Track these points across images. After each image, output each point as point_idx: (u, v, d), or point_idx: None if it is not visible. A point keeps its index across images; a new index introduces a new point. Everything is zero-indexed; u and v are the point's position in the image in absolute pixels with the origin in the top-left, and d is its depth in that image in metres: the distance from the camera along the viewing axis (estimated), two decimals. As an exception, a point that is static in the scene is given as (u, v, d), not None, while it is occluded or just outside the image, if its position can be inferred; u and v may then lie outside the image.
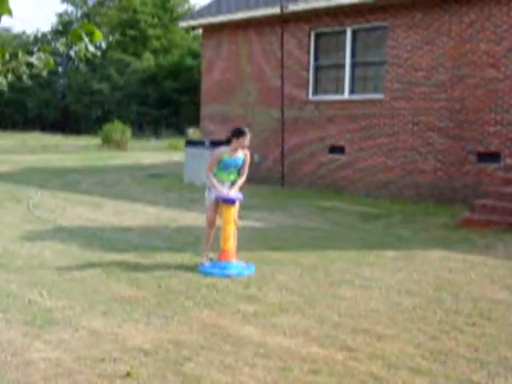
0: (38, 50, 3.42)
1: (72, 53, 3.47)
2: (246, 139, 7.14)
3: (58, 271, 6.81)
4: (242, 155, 7.21)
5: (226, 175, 7.17)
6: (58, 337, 4.82)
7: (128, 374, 4.13)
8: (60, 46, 3.53)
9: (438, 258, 7.76)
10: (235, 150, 7.15)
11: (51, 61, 3.37)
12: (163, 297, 5.91)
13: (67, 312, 5.42)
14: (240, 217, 7.24)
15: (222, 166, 7.13)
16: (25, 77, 3.54)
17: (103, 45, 59.51)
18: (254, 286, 6.35)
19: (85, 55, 3.15)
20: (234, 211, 7.10)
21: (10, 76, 3.40)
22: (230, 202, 7.07)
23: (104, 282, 6.40)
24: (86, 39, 3.08)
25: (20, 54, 3.42)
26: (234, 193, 7.12)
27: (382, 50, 13.87)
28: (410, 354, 4.57)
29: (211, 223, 7.23)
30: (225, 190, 7.06)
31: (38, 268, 6.95)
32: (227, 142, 7.22)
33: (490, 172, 11.95)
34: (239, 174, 7.27)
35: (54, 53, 58.17)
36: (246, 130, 7.25)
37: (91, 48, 3.15)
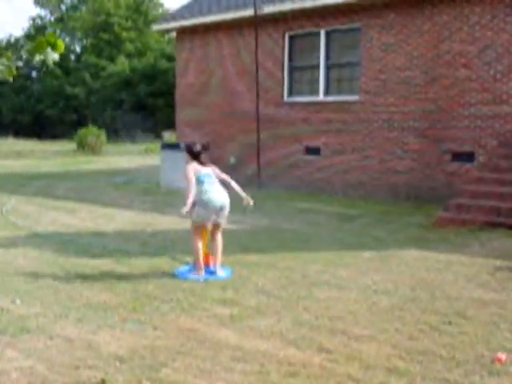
0: (0, 55, 3.37)
1: (36, 61, 3.42)
2: None
3: (31, 278, 6.72)
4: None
5: None
6: (31, 345, 4.74)
7: (103, 382, 4.07)
8: (25, 52, 3.50)
9: (414, 258, 7.79)
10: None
11: (13, 69, 3.32)
12: (139, 302, 5.85)
13: (41, 319, 5.34)
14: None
15: None
16: None
17: (77, 49, 59.13)
18: (230, 290, 6.32)
19: (47, 64, 3.13)
20: None
21: None
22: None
23: (78, 289, 6.32)
24: (49, 50, 3.06)
25: None
26: None
27: (356, 51, 13.93)
28: (387, 354, 4.57)
29: None
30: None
31: (11, 275, 6.85)
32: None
33: (465, 171, 12.04)
34: None
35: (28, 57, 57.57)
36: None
37: (55, 56, 3.13)
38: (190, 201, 6.68)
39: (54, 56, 3.17)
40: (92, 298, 6.00)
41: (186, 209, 6.62)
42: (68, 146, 34.46)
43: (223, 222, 7.11)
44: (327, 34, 14.38)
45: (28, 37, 59.57)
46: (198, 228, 6.99)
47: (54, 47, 3.12)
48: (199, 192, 6.87)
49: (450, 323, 5.26)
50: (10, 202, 12.80)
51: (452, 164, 12.40)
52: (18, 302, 5.85)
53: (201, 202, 6.86)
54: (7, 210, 11.61)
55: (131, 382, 4.09)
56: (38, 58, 3.15)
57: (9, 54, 3.40)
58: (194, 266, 6.97)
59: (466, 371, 4.26)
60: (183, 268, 7.09)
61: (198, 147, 7.13)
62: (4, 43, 60.63)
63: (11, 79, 3.40)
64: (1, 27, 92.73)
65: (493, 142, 11.82)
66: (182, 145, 15.42)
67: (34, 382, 4.10)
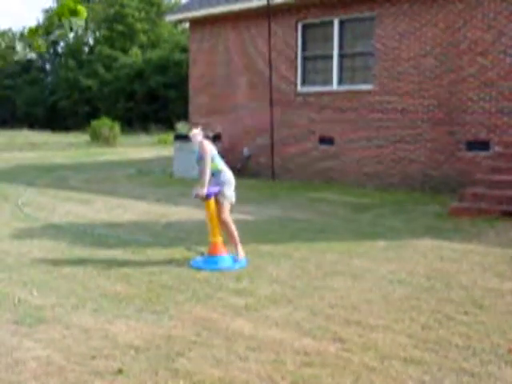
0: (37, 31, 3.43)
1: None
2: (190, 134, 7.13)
3: (47, 269, 6.76)
4: (197, 146, 7.14)
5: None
6: (48, 335, 4.78)
7: (119, 371, 4.10)
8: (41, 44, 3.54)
9: (429, 247, 7.76)
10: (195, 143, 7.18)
11: (43, 44, 3.37)
12: (154, 292, 5.87)
13: (57, 310, 5.38)
14: (231, 210, 7.19)
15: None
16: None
17: (90, 40, 59.24)
18: (245, 280, 6.33)
19: (71, 29, 3.18)
20: (210, 205, 7.01)
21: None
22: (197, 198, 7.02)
23: (94, 279, 6.36)
24: (72, 18, 3.09)
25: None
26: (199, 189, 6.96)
27: (370, 41, 13.84)
28: (403, 343, 4.56)
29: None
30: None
31: (27, 266, 6.90)
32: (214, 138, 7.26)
33: (480, 160, 11.96)
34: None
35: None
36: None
37: (79, 22, 3.15)
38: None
39: (78, 22, 3.19)
40: (108, 288, 6.03)
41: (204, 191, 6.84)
42: (81, 137, 34.59)
43: None
44: (341, 22, 14.29)
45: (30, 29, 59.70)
46: (228, 210, 7.13)
47: (75, 13, 3.14)
48: (221, 171, 7.03)
49: (465, 313, 5.24)
50: (25, 193, 12.87)
51: (467, 153, 12.32)
52: (34, 292, 5.89)
53: (228, 182, 7.05)
54: (22, 202, 11.68)
55: (147, 371, 4.11)
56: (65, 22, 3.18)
57: (35, 30, 3.45)
58: (237, 252, 7.06)
59: (482, 361, 4.25)
60: (199, 258, 7.10)
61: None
62: (18, 35, 60.89)
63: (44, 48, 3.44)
64: (15, 19, 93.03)
65: (508, 130, 11.72)
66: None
67: (50, 371, 4.13)
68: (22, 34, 60.82)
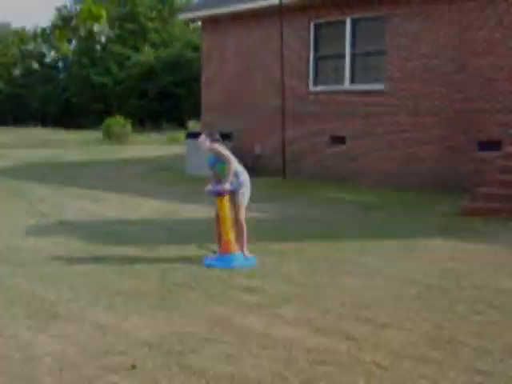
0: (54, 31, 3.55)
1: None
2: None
3: (61, 265, 6.83)
4: (212, 152, 7.09)
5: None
6: (62, 331, 4.83)
7: (133, 367, 4.14)
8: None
9: (440, 247, 7.75)
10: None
11: (66, 47, 3.44)
12: (167, 289, 5.91)
13: (72, 306, 5.43)
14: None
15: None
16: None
17: (103, 39, 59.43)
18: (257, 277, 6.35)
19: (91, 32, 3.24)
20: (224, 203, 7.03)
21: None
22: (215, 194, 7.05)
23: (108, 276, 6.41)
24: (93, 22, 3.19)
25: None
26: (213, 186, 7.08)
27: (382, 40, 13.81)
28: (415, 342, 4.57)
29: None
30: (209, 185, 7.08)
31: (41, 262, 6.96)
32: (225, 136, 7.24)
33: (491, 160, 11.91)
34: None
35: (54, 46, 58.10)
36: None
37: (98, 28, 3.22)
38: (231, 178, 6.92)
39: (97, 27, 3.29)
40: (121, 284, 6.08)
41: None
42: (94, 135, 34.70)
43: None
44: (353, 22, 14.27)
45: (55, 27, 59.95)
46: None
47: (96, 18, 3.23)
48: (238, 172, 7.05)
49: (477, 312, 5.24)
50: (38, 190, 12.96)
51: (479, 153, 12.28)
52: (49, 288, 5.95)
53: (246, 183, 7.08)
54: (36, 199, 11.76)
55: (160, 367, 4.15)
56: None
57: (63, 32, 3.54)
58: (244, 252, 7.11)
59: (493, 360, 4.25)
60: (211, 256, 7.14)
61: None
62: (31, 33, 61.16)
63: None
64: (28, 17, 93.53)
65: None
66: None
67: (65, 366, 4.17)
68: (34, 33, 61.07)
